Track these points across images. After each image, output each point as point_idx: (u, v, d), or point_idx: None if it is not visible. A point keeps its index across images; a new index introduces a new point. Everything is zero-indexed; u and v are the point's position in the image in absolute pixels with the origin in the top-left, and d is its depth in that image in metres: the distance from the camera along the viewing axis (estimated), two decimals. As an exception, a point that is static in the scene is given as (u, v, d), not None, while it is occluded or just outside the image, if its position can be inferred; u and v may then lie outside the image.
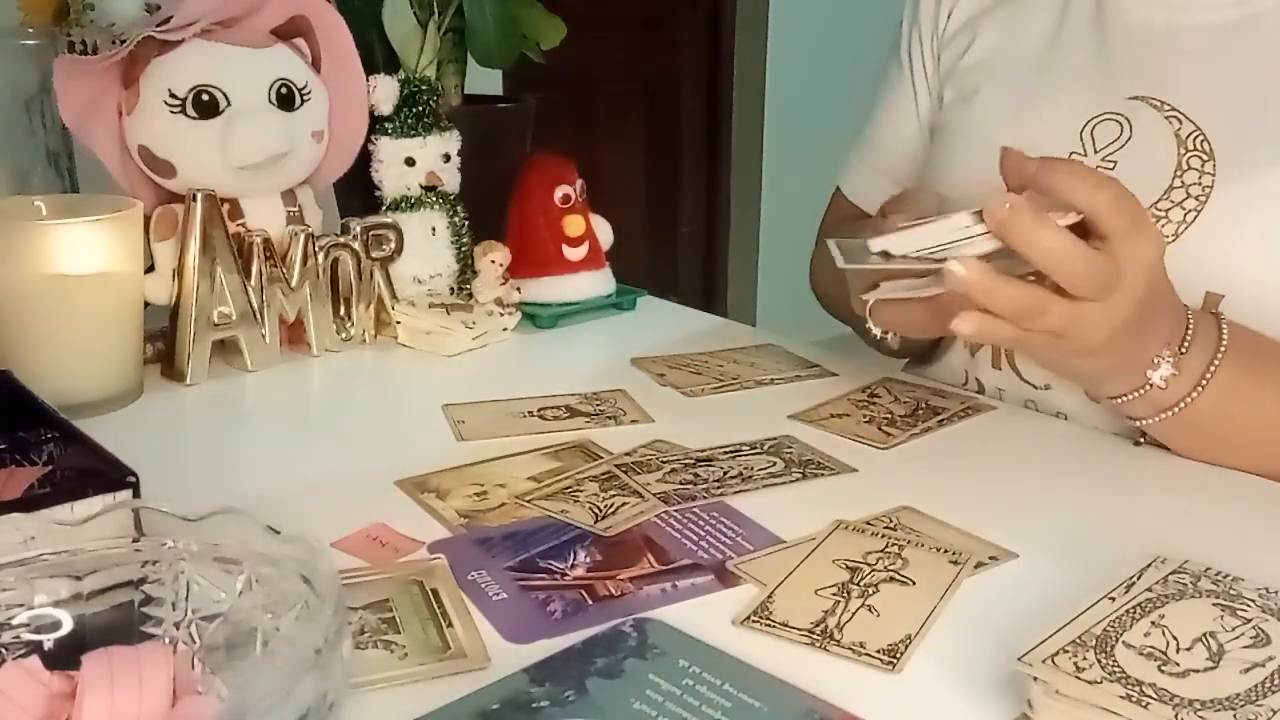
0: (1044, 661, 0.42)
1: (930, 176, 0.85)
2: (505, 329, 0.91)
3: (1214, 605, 0.46)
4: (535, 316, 0.95)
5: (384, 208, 0.93)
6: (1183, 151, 0.70)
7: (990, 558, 0.55)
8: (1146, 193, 0.69)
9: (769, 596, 0.51)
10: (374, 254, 0.89)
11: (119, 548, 0.44)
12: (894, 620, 0.49)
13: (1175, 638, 0.43)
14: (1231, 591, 0.47)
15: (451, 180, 0.94)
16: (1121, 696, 0.40)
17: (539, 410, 0.75)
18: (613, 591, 0.52)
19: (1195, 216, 0.68)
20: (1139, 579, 0.48)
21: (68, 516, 0.45)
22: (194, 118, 0.80)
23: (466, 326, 0.88)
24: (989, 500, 0.62)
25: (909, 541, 0.56)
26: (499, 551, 0.56)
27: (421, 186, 0.93)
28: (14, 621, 0.42)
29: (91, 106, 0.80)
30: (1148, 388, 0.63)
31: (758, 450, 0.68)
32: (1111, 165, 0.72)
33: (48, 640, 0.42)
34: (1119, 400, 0.65)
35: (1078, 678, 0.41)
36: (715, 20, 3.20)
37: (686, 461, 0.66)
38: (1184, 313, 0.63)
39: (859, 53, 2.43)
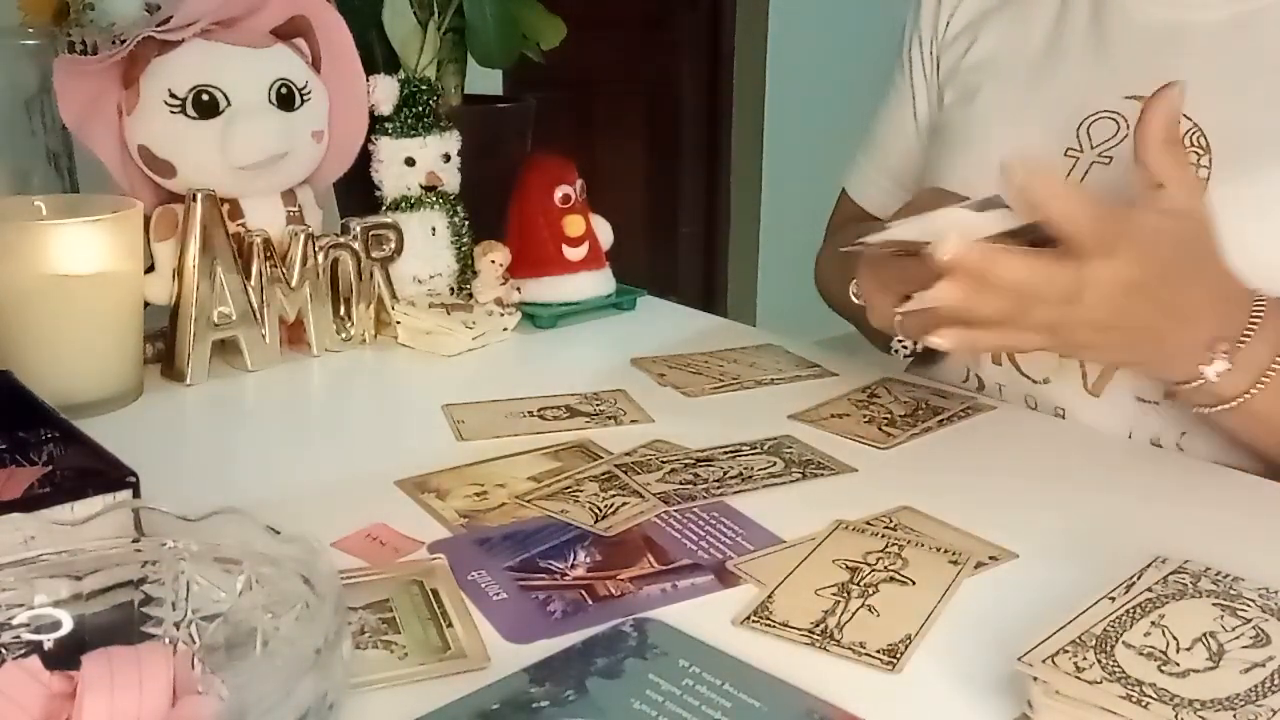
0: (1044, 661, 0.42)
1: (930, 177, 0.85)
2: (505, 329, 0.91)
3: (1214, 605, 0.46)
4: (535, 316, 0.95)
5: (384, 208, 0.93)
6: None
7: (990, 558, 0.55)
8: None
9: (769, 596, 0.51)
10: (374, 254, 0.89)
11: (119, 548, 0.44)
12: (894, 620, 0.49)
13: (1175, 638, 0.43)
14: (1231, 591, 0.47)
15: (451, 180, 0.94)
16: (1121, 696, 0.40)
17: (539, 410, 0.75)
18: (613, 591, 0.52)
19: None
20: (1139, 579, 0.48)
21: (68, 516, 0.45)
22: (194, 118, 0.80)
23: (466, 326, 0.88)
24: (989, 500, 0.62)
25: (909, 541, 0.56)
26: (499, 551, 0.56)
27: (421, 186, 0.93)
28: (14, 621, 0.42)
29: (91, 106, 0.80)
30: (1201, 381, 0.62)
31: (758, 450, 0.68)
32: (1107, 161, 0.73)
33: (48, 640, 0.42)
34: (1178, 389, 0.65)
35: (1078, 678, 0.41)
36: (715, 20, 3.20)
37: (686, 461, 0.66)
38: (1246, 303, 0.62)
39: (859, 53, 2.43)
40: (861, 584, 0.52)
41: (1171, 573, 0.48)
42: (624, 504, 0.61)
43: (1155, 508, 0.63)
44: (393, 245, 0.90)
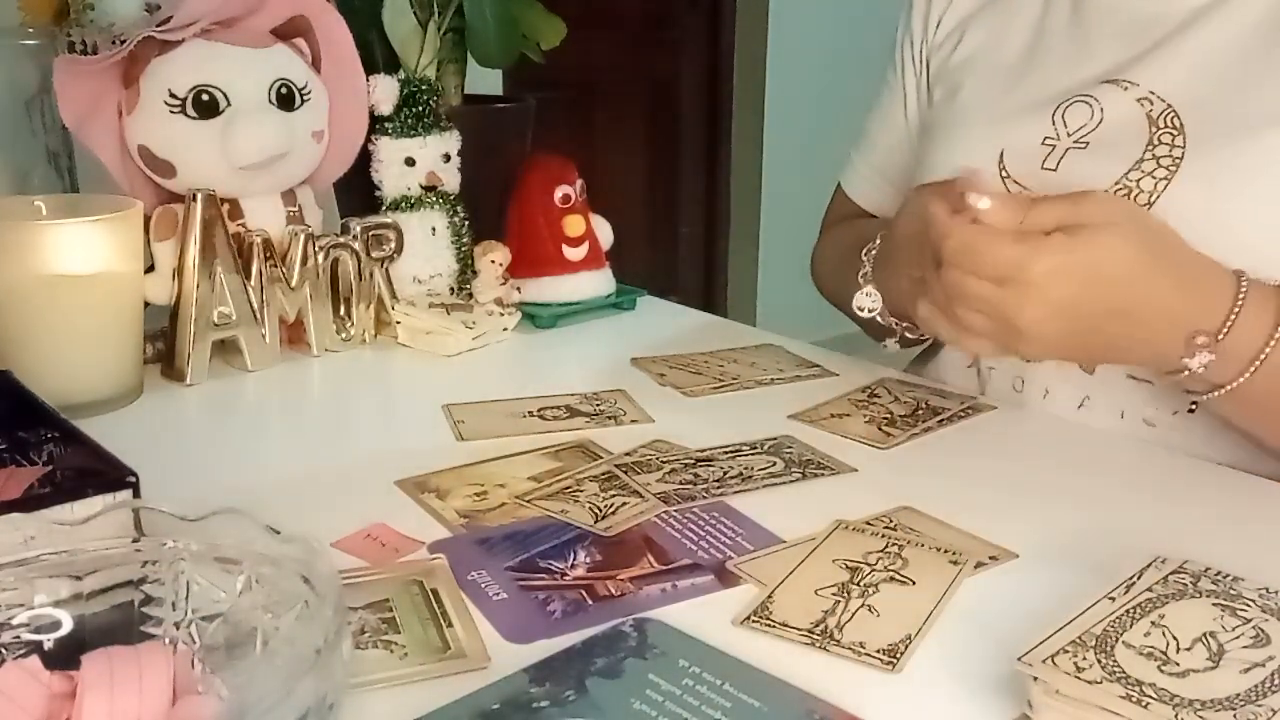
0: (1044, 661, 0.42)
1: (918, 174, 0.85)
2: (505, 329, 0.91)
3: (1214, 605, 0.46)
4: (535, 316, 0.95)
5: (384, 208, 0.93)
6: (1154, 130, 0.71)
7: (990, 558, 0.55)
8: (1116, 167, 0.71)
9: (769, 596, 0.51)
10: (374, 254, 0.89)
11: (119, 548, 0.44)
12: (894, 620, 0.49)
13: (1175, 638, 0.43)
14: (1231, 591, 0.47)
15: (451, 180, 0.94)
16: (1121, 696, 0.40)
17: (539, 410, 0.75)
18: (613, 591, 0.52)
19: (1165, 186, 0.69)
20: (1139, 579, 0.48)
21: (68, 516, 0.45)
22: (194, 118, 0.80)
23: (466, 326, 0.88)
24: (989, 500, 0.62)
25: (909, 541, 0.56)
26: (499, 551, 0.56)
27: (421, 186, 0.93)
28: (14, 621, 0.42)
29: (91, 106, 0.80)
30: (1187, 373, 0.63)
31: (758, 450, 0.68)
32: (1084, 146, 0.73)
33: (48, 640, 0.42)
34: (1170, 378, 0.66)
35: (1078, 678, 0.41)
36: (715, 20, 3.20)
37: (686, 461, 0.66)
38: (1226, 291, 0.63)
39: (859, 53, 2.43)
40: (861, 584, 0.52)
41: (1171, 573, 0.48)
42: (624, 504, 0.61)
43: (1155, 508, 0.63)
44: (393, 245, 0.90)
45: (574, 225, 0.97)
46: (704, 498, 0.62)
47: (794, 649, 0.47)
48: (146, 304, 0.79)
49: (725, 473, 0.65)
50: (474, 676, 0.45)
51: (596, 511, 0.60)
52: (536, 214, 0.97)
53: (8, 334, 0.71)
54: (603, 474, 0.65)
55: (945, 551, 0.55)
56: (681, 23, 3.18)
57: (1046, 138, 0.75)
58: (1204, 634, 0.44)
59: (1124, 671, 0.41)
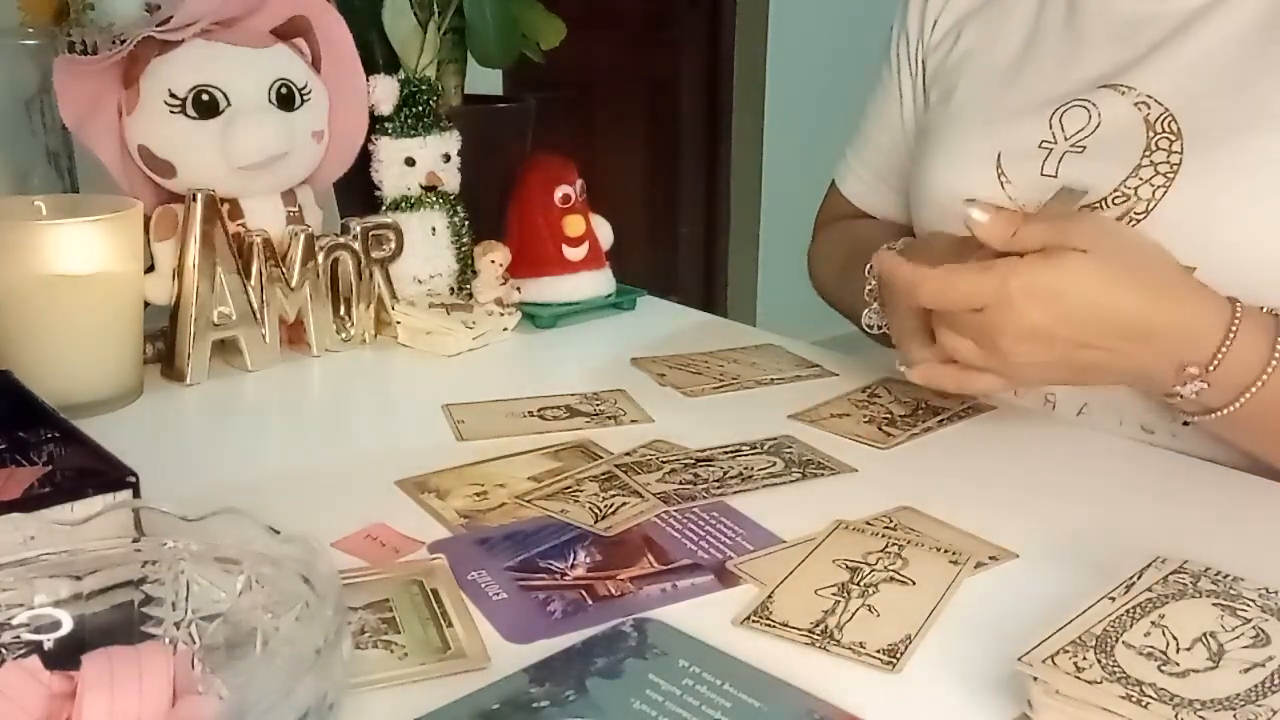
0: (1044, 661, 0.42)
1: (914, 175, 0.85)
2: (505, 329, 0.91)
3: (1214, 605, 0.46)
4: (535, 316, 0.95)
5: (384, 208, 0.93)
6: (1151, 134, 0.71)
7: (990, 558, 0.55)
8: (1115, 173, 0.71)
9: (769, 596, 0.51)
10: (374, 254, 0.89)
11: (119, 548, 0.44)
12: (894, 620, 0.49)
13: (1175, 638, 0.43)
14: (1231, 591, 0.47)
15: (451, 180, 0.94)
16: (1121, 696, 0.40)
17: (539, 410, 0.75)
18: (613, 591, 0.52)
19: (1164, 193, 0.69)
20: (1139, 579, 0.48)
21: (68, 516, 0.45)
22: (194, 118, 0.80)
23: (466, 326, 0.88)
24: (989, 500, 0.62)
25: (909, 541, 0.56)
26: (499, 551, 0.56)
27: (421, 186, 0.93)
28: (14, 621, 0.42)
29: (91, 106, 0.80)
30: (1180, 398, 0.64)
31: (758, 450, 0.68)
32: (1081, 150, 0.73)
33: (48, 640, 0.42)
34: (1165, 400, 0.66)
35: (1078, 678, 0.41)
36: (715, 20, 3.20)
37: (686, 461, 0.66)
38: (1218, 320, 0.62)
39: (858, 53, 2.42)
40: (861, 584, 0.52)
41: (1171, 573, 0.48)
42: (624, 504, 0.61)
43: (1155, 508, 0.63)
44: (393, 245, 0.90)
45: (574, 225, 0.97)
46: (704, 498, 0.62)
47: (794, 649, 0.47)
48: (146, 304, 0.79)
49: (725, 473, 0.65)
50: (474, 676, 0.45)
51: (596, 511, 0.60)
52: (536, 214, 0.97)
53: (8, 334, 0.71)
54: (603, 474, 0.65)
55: (945, 551, 0.55)
56: (681, 23, 3.18)
57: (1043, 141, 0.75)
58: (1204, 634, 0.44)
59: (1124, 671, 0.41)
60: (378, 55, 0.95)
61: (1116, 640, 0.43)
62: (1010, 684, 0.44)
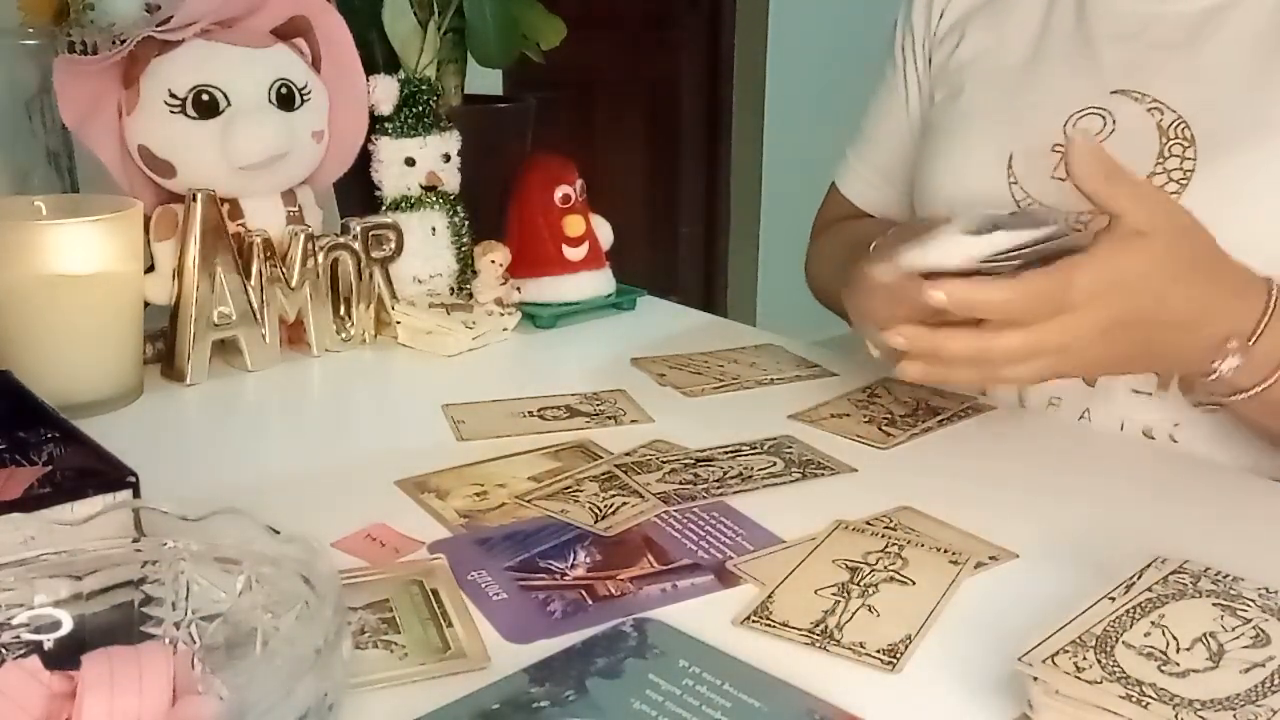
0: (1044, 661, 0.42)
1: (921, 174, 0.85)
2: (505, 329, 0.91)
3: (1214, 605, 0.46)
4: (535, 316, 0.95)
5: (384, 208, 0.93)
6: (1165, 140, 0.71)
7: (990, 558, 0.55)
8: None
9: (769, 596, 0.51)
10: (374, 254, 0.89)
11: (119, 548, 0.44)
12: (894, 620, 0.49)
13: (1175, 638, 0.43)
14: (1231, 591, 0.47)
15: (451, 180, 0.94)
16: (1121, 696, 0.40)
17: (539, 410, 0.75)
18: (613, 591, 0.52)
19: (1177, 200, 0.68)
20: (1139, 579, 0.48)
21: (68, 516, 0.45)
22: (194, 118, 0.80)
23: (466, 326, 0.88)
24: (989, 500, 0.62)
25: (909, 541, 0.56)
26: (499, 551, 0.56)
27: (421, 186, 0.93)
28: (14, 621, 0.42)
29: (91, 106, 0.80)
30: (1215, 375, 0.63)
31: (758, 450, 0.68)
32: None
33: (48, 640, 0.42)
34: (1193, 382, 0.65)
35: (1078, 678, 0.41)
36: (715, 20, 3.20)
37: (686, 461, 0.66)
38: (1260, 296, 0.62)
39: (859, 53, 2.42)
40: (861, 584, 0.52)
41: (1171, 573, 0.48)
42: (624, 504, 0.61)
43: (1155, 508, 0.63)
44: (393, 245, 0.90)
45: (574, 225, 0.97)
46: (704, 498, 0.62)
47: (794, 649, 0.47)
48: (146, 304, 0.79)
49: (725, 473, 0.65)
50: (474, 676, 0.45)
51: (596, 511, 0.60)
52: (536, 214, 0.97)
53: (8, 334, 0.71)
54: (603, 474, 0.65)
55: (945, 551, 0.55)
56: (681, 23, 3.18)
57: (1056, 145, 0.74)
58: (1204, 634, 0.44)
59: (1124, 671, 0.41)
60: (378, 55, 0.95)
61: (1116, 640, 0.43)
62: (1010, 684, 0.44)
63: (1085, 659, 0.42)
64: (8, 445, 0.57)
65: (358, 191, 0.94)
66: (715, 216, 3.34)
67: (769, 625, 0.49)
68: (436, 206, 0.93)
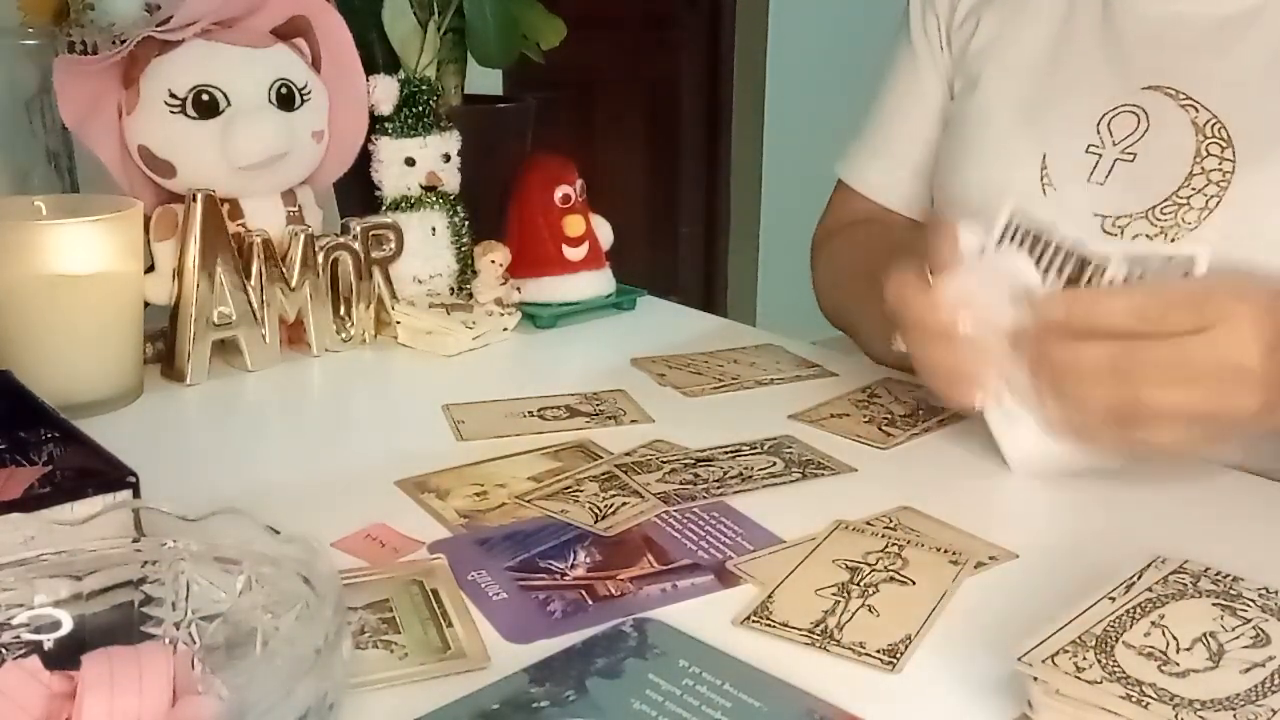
0: (1044, 661, 0.42)
1: (943, 170, 0.84)
2: (505, 329, 0.91)
3: (1214, 605, 0.46)
4: (535, 316, 0.95)
5: (384, 208, 0.93)
6: (1201, 139, 0.69)
7: (990, 558, 0.55)
8: (1166, 181, 0.69)
9: (769, 596, 0.51)
10: (374, 254, 0.89)
11: (119, 548, 0.44)
12: (894, 620, 0.49)
13: (1175, 638, 0.43)
14: (1231, 591, 0.47)
15: (451, 180, 0.94)
16: (1121, 696, 0.40)
17: (539, 410, 0.75)
18: (613, 591, 0.52)
19: (1217, 203, 0.68)
20: (1139, 579, 0.48)
21: (68, 516, 0.45)
22: (194, 118, 0.80)
23: (466, 326, 0.88)
24: (989, 500, 0.62)
25: (909, 541, 0.56)
26: (499, 551, 0.56)
27: (421, 186, 0.93)
28: (14, 621, 0.42)
29: (91, 106, 0.80)
30: None
31: (758, 450, 0.68)
32: (1130, 157, 0.72)
33: (48, 640, 0.42)
34: None
35: (1078, 678, 0.41)
36: (715, 20, 3.20)
37: (686, 461, 0.66)
38: None
39: (859, 52, 2.42)
40: (861, 584, 0.52)
41: (1171, 573, 0.48)
42: (624, 504, 0.61)
43: (1155, 508, 0.63)
44: (393, 245, 0.90)
45: (574, 225, 0.97)
46: (704, 498, 0.62)
47: (794, 649, 0.47)
48: (146, 304, 0.79)
49: (725, 473, 0.65)
50: (474, 676, 0.45)
51: (596, 511, 0.60)
52: (536, 214, 0.97)
53: (8, 334, 0.71)
54: (603, 474, 0.65)
55: (945, 551, 0.55)
56: (681, 23, 3.18)
57: (1091, 145, 0.73)
58: (1204, 634, 0.44)
59: (1124, 671, 0.41)
60: (378, 55, 0.95)
61: (1116, 640, 0.43)
62: (1010, 684, 0.44)
63: (1085, 659, 0.42)
64: (8, 445, 0.57)
65: (358, 191, 0.94)
66: (715, 216, 3.34)
67: (769, 625, 0.49)
68: (436, 206, 0.93)
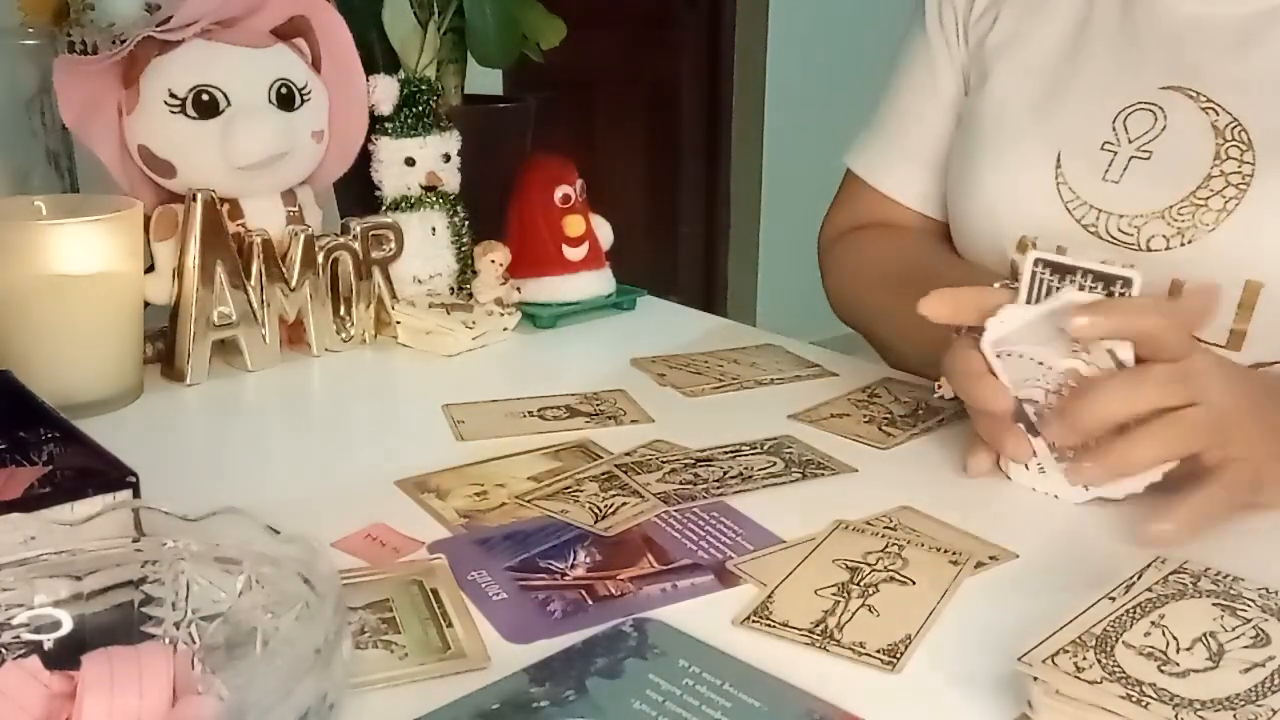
0: (1044, 661, 0.42)
1: (960, 169, 0.83)
2: (505, 329, 0.91)
3: (1214, 605, 0.46)
4: (535, 316, 0.95)
5: (384, 208, 0.93)
6: (1220, 141, 0.69)
7: (990, 558, 0.55)
8: (1184, 181, 0.69)
9: (769, 596, 0.51)
10: (374, 254, 0.89)
11: (119, 548, 0.44)
12: (894, 620, 0.49)
13: (1175, 638, 0.43)
14: (1231, 591, 0.47)
15: (451, 180, 0.94)
16: (1121, 696, 0.40)
17: (539, 410, 0.75)
18: (613, 591, 0.52)
19: (1236, 205, 0.68)
20: (1139, 579, 0.48)
21: (68, 516, 0.45)
22: (194, 118, 0.80)
23: (466, 326, 0.88)
24: (989, 500, 0.62)
25: (909, 541, 0.56)
26: (499, 551, 0.56)
27: (421, 186, 0.93)
28: (14, 621, 0.42)
29: (91, 106, 0.80)
30: None
31: (758, 450, 0.68)
32: (1147, 155, 0.72)
33: (48, 640, 0.42)
34: None
35: (1078, 678, 0.41)
36: (715, 20, 3.20)
37: (686, 461, 0.66)
38: None
39: (859, 52, 2.43)
40: (861, 584, 0.52)
41: (1171, 573, 0.48)
42: (624, 504, 0.61)
43: (1155, 508, 0.62)
44: (393, 245, 0.90)
45: (574, 225, 0.97)
46: (704, 498, 0.62)
47: (794, 649, 0.47)
48: (146, 304, 0.79)
49: (725, 473, 0.65)
50: (474, 676, 0.45)
51: (596, 511, 0.60)
52: (536, 214, 0.97)
53: (8, 334, 0.71)
54: (603, 474, 0.65)
55: (945, 551, 0.55)
56: (681, 23, 3.18)
57: (1106, 143, 0.73)
58: (1204, 634, 0.44)
59: (1124, 671, 0.41)
60: (378, 55, 0.95)
61: (1116, 640, 0.43)
62: (1010, 684, 0.44)
63: (1085, 659, 0.42)
64: (8, 445, 0.57)
65: (358, 191, 0.94)
66: (715, 216, 3.34)
67: (769, 625, 0.49)
68: (436, 206, 0.93)
